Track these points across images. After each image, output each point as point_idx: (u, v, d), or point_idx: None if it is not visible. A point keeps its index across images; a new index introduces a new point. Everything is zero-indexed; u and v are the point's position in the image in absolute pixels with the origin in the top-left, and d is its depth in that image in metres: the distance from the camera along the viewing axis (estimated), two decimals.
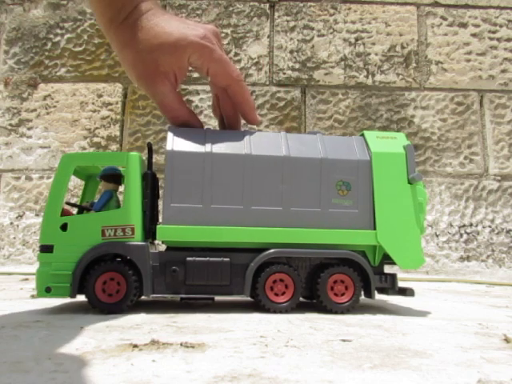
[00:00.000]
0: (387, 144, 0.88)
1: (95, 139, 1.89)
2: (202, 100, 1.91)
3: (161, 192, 0.85)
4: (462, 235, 1.83)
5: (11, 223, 1.81)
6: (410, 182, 0.85)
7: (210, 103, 1.89)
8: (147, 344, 0.53)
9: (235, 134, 0.86)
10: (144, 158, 0.86)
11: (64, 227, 0.77)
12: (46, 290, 0.76)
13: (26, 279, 1.42)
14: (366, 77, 1.95)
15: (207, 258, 0.79)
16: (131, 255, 0.78)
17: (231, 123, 0.90)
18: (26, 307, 0.82)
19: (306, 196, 0.83)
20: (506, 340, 0.62)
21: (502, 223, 1.84)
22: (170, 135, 0.83)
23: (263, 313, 0.79)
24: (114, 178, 0.85)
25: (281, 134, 0.87)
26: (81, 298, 0.78)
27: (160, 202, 0.85)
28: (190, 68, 0.83)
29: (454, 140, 1.90)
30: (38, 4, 1.99)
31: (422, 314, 0.85)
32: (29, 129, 1.89)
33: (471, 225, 1.84)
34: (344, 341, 0.58)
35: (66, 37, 1.96)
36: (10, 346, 0.52)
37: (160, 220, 0.83)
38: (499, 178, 1.89)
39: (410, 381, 0.42)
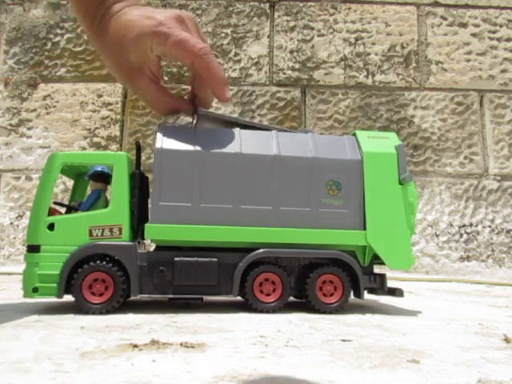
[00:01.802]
0: (379, 144, 0.87)
1: (95, 139, 1.89)
2: None
3: (150, 191, 0.85)
4: (462, 235, 1.83)
5: (11, 223, 1.81)
6: (400, 183, 0.85)
7: None
8: (147, 344, 0.53)
9: (226, 132, 0.86)
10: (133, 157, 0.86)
11: (51, 227, 0.77)
12: (33, 291, 0.75)
13: None
14: (366, 77, 1.95)
15: (195, 258, 0.78)
16: (118, 255, 0.77)
17: (201, 104, 0.88)
18: (25, 307, 0.82)
19: (295, 195, 0.82)
20: (506, 340, 0.62)
21: (502, 223, 1.84)
22: (159, 133, 0.82)
23: (263, 313, 0.79)
24: (103, 177, 0.85)
25: (272, 133, 0.86)
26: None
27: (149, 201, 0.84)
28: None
29: (453, 140, 1.90)
30: (37, 4, 1.99)
31: (423, 313, 0.85)
32: (29, 129, 1.89)
33: (471, 225, 1.84)
34: (344, 341, 0.58)
35: (65, 37, 1.96)
36: (10, 346, 0.52)
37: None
38: (499, 177, 1.89)
39: (410, 381, 0.42)
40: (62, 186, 1.81)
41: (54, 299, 0.87)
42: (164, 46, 0.78)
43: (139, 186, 0.81)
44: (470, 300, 1.11)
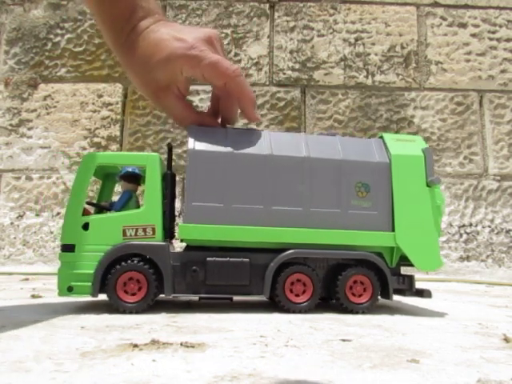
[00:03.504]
0: (406, 147, 0.89)
1: (95, 139, 1.89)
2: (202, 100, 1.91)
3: (182, 191, 0.87)
4: (461, 235, 1.83)
5: (11, 223, 1.81)
6: (428, 185, 0.86)
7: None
8: (147, 344, 0.54)
9: (256, 133, 0.87)
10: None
11: (85, 227, 0.78)
12: (68, 289, 0.76)
13: (26, 279, 1.42)
14: (366, 77, 1.95)
15: (227, 259, 0.80)
16: (152, 255, 0.79)
17: (227, 123, 0.91)
18: (25, 307, 0.82)
19: (325, 197, 0.84)
20: (506, 340, 0.62)
21: (502, 223, 1.84)
22: (191, 134, 0.83)
23: (263, 313, 0.79)
24: (134, 178, 0.86)
25: (301, 135, 0.88)
26: (80, 298, 0.78)
27: (176, 202, 0.86)
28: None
29: (453, 140, 1.90)
30: (38, 4, 1.99)
31: (422, 313, 0.86)
32: (29, 129, 1.89)
33: (471, 225, 1.84)
34: (344, 341, 0.58)
35: (66, 37, 1.96)
36: (10, 346, 0.52)
37: (177, 220, 0.85)
38: (499, 177, 1.89)
39: (410, 381, 0.42)
40: (63, 186, 1.82)
41: (54, 299, 0.87)
42: (196, 69, 0.80)
43: (171, 187, 0.83)
44: (470, 300, 1.12)
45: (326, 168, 0.84)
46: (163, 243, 0.80)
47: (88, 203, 0.87)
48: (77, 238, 0.78)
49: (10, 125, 1.90)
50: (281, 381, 0.41)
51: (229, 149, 0.82)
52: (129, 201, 0.84)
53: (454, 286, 1.53)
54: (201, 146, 0.82)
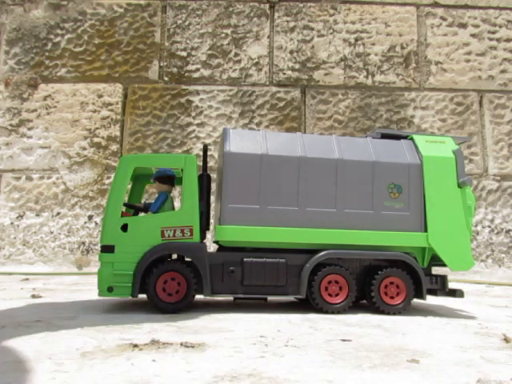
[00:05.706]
0: (437, 148, 0.90)
1: (95, 139, 1.89)
2: (202, 100, 1.91)
3: (218, 192, 0.88)
4: None
5: (12, 223, 1.81)
6: (459, 186, 0.87)
7: (210, 103, 1.89)
8: (147, 344, 0.54)
9: (289, 136, 0.89)
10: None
11: (124, 228, 0.79)
12: (108, 290, 0.77)
13: (27, 279, 1.42)
14: (366, 77, 1.95)
15: (264, 259, 0.81)
16: (191, 256, 0.80)
17: None
18: (26, 307, 0.82)
19: (358, 198, 0.85)
20: (506, 340, 0.62)
21: (502, 223, 1.84)
22: (226, 136, 0.85)
23: (263, 313, 0.79)
24: (169, 179, 0.87)
25: (333, 137, 0.90)
26: (80, 298, 0.78)
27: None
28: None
29: None
30: (38, 4, 1.99)
31: (422, 313, 0.86)
32: (29, 129, 1.89)
33: None
34: (344, 341, 0.58)
35: (66, 37, 1.96)
36: (10, 346, 0.52)
37: (211, 221, 0.86)
38: (499, 178, 1.89)
39: (410, 380, 0.42)
40: (63, 186, 1.82)
41: (54, 299, 0.87)
42: None
43: (207, 188, 0.84)
44: (470, 300, 1.12)
45: (358, 170, 0.86)
46: (201, 244, 0.81)
47: (125, 205, 0.88)
48: (116, 238, 0.79)
49: (10, 125, 1.90)
50: (281, 381, 0.41)
51: (263, 150, 0.84)
52: (165, 202, 0.85)
53: (454, 286, 1.53)
54: (236, 147, 0.83)
